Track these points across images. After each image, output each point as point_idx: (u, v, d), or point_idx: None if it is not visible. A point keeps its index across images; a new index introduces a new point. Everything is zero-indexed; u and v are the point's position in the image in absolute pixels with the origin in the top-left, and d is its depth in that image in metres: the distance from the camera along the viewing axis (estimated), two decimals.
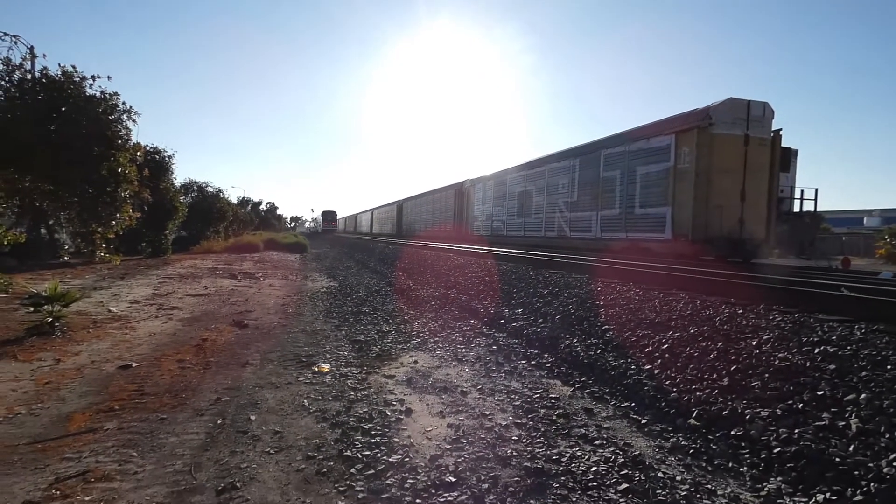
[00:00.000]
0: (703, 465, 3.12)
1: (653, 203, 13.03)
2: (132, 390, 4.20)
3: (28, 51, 10.07)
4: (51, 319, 6.11)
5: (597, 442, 3.39)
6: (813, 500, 2.64)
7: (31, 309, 6.25)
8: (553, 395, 4.34)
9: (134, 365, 4.94)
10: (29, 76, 9.73)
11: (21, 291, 8.52)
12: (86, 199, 9.74)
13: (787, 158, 12.74)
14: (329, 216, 79.43)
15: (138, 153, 10.88)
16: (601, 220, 15.16)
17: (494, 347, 6.08)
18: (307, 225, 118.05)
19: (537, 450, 3.22)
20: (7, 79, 9.50)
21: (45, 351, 5.36)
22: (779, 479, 2.89)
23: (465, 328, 7.15)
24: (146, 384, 4.38)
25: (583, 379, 4.82)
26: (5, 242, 9.20)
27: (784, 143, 12.43)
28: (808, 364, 3.82)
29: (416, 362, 5.38)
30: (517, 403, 4.11)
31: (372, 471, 2.89)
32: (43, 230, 16.57)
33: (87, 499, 2.53)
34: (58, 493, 2.57)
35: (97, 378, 4.53)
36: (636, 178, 13.67)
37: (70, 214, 10.92)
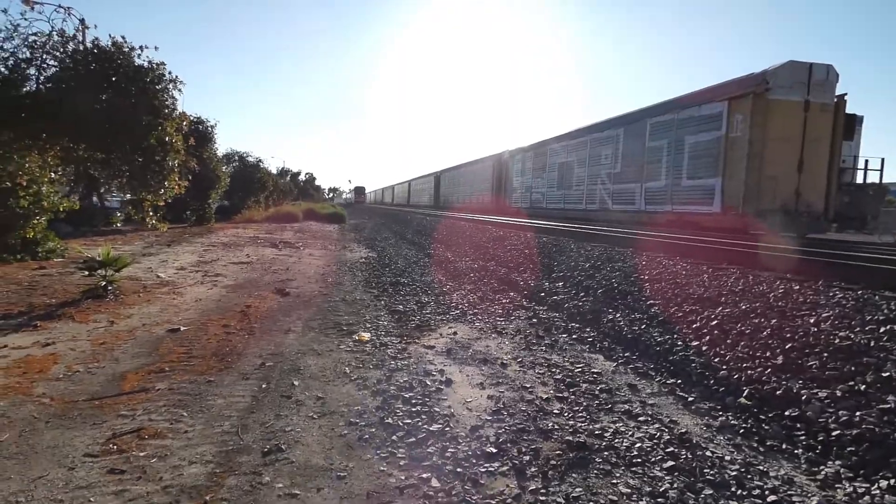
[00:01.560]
0: (755, 445, 3.00)
1: (702, 174, 12.46)
2: (181, 353, 4.35)
3: (79, 23, 10.29)
4: (104, 283, 6.37)
5: (641, 418, 3.31)
6: (876, 486, 2.50)
7: (86, 273, 6.53)
8: (595, 370, 4.25)
9: (182, 329, 5.11)
10: (81, 47, 9.97)
11: (76, 256, 8.92)
12: (135, 167, 10.04)
13: (850, 126, 11.89)
14: (359, 190, 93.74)
15: (183, 122, 11.09)
16: (646, 193, 14.65)
17: (535, 320, 6.00)
18: (344, 196, 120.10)
19: (579, 424, 3.17)
20: (62, 50, 9.76)
21: (100, 313, 5.60)
22: (837, 462, 2.75)
23: (504, 301, 7.08)
24: (194, 347, 4.52)
25: (626, 354, 4.71)
26: (61, 209, 9.62)
27: (849, 109, 11.61)
28: (872, 343, 3.60)
29: (455, 333, 5.37)
30: (558, 377, 4.04)
31: (413, 439, 2.90)
32: (95, 198, 17.29)
33: (141, 454, 2.63)
34: (114, 447, 2.68)
35: (148, 340, 4.70)
36: (684, 147, 13.07)
37: (121, 182, 11.35)
